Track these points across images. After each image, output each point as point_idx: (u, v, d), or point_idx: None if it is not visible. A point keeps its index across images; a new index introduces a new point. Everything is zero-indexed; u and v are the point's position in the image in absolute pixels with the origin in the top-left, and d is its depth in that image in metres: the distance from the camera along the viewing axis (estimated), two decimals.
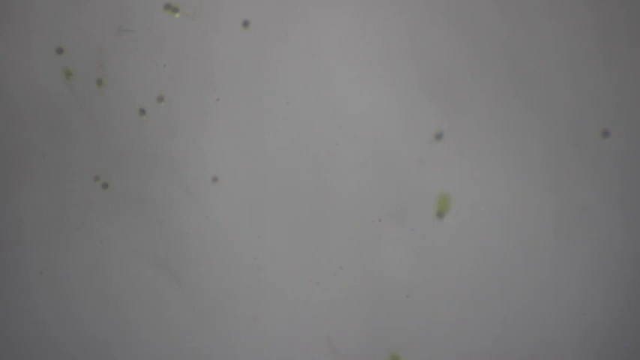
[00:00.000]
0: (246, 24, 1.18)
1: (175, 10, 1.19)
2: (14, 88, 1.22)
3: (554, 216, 1.15)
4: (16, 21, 1.21)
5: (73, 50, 1.20)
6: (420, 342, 1.18)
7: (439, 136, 1.17)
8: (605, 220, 1.15)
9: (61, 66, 1.21)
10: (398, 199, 1.18)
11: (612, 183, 1.14)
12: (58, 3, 1.20)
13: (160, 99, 1.20)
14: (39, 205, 1.23)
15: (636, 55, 1.14)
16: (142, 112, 1.20)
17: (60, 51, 1.21)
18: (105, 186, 1.22)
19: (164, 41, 1.19)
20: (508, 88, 1.15)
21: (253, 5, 1.18)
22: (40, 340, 1.24)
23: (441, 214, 1.17)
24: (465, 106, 1.16)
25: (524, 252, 1.16)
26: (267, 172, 1.19)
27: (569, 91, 1.15)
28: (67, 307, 1.23)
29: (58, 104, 1.21)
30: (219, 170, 1.20)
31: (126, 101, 1.20)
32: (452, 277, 1.17)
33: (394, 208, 1.18)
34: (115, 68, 1.20)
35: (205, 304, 1.21)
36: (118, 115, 1.21)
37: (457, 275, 1.17)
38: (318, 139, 1.18)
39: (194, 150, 1.20)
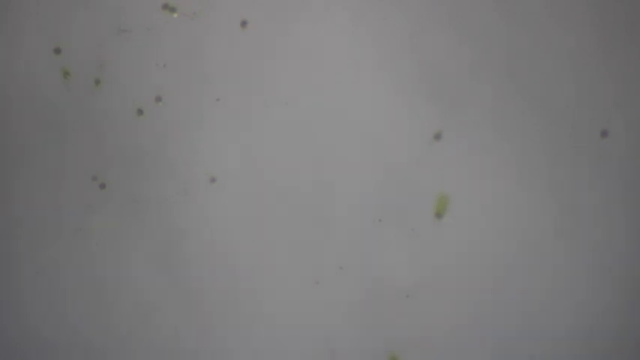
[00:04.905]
0: (245, 24, 1.18)
1: (174, 9, 1.18)
2: (11, 88, 1.21)
3: (554, 216, 1.15)
4: (13, 20, 1.20)
5: (70, 50, 1.20)
6: (420, 342, 1.18)
7: (438, 137, 1.17)
8: (605, 220, 1.15)
9: (58, 66, 1.20)
10: (398, 199, 1.18)
11: (612, 183, 1.15)
12: (56, 3, 1.20)
13: (158, 99, 1.19)
14: (36, 206, 1.22)
15: (636, 55, 1.14)
16: (140, 112, 1.20)
17: (57, 51, 1.20)
18: (102, 186, 1.21)
19: (162, 41, 1.19)
20: (508, 88, 1.15)
21: (252, 5, 1.18)
22: (37, 341, 1.24)
23: (440, 215, 1.17)
24: (465, 106, 1.16)
25: (524, 252, 1.16)
26: (266, 173, 1.19)
27: (569, 91, 1.15)
28: (64, 307, 1.23)
29: (55, 104, 1.21)
30: (218, 170, 1.20)
31: (124, 101, 1.20)
32: (452, 277, 1.17)
33: (394, 208, 1.18)
34: (113, 68, 1.19)
35: (205, 304, 1.21)
36: (116, 115, 1.20)
37: (457, 275, 1.17)
38: (318, 139, 1.18)
39: (192, 150, 1.20)
